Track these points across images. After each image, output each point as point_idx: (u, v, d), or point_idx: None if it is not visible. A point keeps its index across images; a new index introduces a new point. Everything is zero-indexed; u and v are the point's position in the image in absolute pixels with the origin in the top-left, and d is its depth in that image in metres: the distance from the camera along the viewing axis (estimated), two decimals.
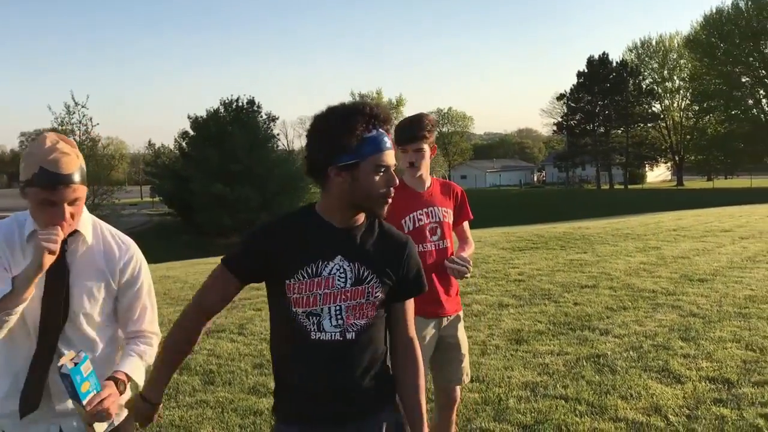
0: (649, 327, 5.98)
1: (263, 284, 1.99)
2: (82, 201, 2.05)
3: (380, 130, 1.91)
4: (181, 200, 43.64)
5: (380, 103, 2.06)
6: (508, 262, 9.89)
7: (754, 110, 63.36)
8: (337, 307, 1.93)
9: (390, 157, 1.93)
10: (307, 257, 1.92)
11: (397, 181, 1.96)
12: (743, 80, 63.04)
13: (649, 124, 71.04)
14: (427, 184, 3.26)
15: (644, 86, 69.93)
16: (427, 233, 3.17)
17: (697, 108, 68.28)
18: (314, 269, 1.91)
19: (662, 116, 71.25)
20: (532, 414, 4.15)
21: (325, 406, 1.95)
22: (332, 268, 1.92)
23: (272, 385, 2.05)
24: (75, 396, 1.93)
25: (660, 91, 71.48)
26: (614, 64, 68.76)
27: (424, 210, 3.19)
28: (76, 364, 1.93)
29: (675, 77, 72.14)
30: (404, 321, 2.08)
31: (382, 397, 2.02)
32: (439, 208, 3.24)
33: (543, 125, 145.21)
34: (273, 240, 1.94)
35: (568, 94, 71.02)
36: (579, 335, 5.83)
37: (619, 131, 69.76)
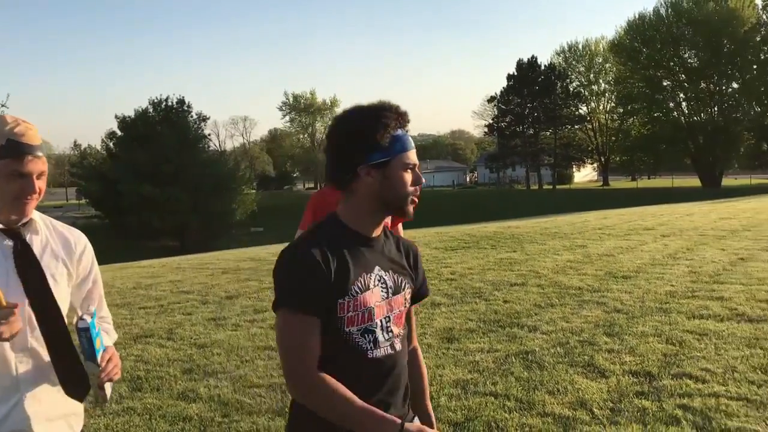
0: (576, 323, 6.15)
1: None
2: (46, 177, 1.99)
3: (405, 128, 1.90)
4: (109, 202, 42.50)
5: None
6: (440, 262, 10.01)
7: (675, 113, 65.83)
8: (386, 319, 1.89)
9: (415, 155, 1.90)
10: (355, 272, 1.83)
11: (424, 180, 1.92)
12: (665, 84, 65.41)
13: (576, 126, 73.11)
14: None
15: (571, 89, 71.91)
16: None
17: (621, 110, 70.54)
18: (364, 283, 1.84)
19: (589, 118, 73.41)
20: (463, 411, 4.21)
21: None
22: (374, 279, 1.87)
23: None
24: (91, 352, 1.89)
25: (587, 93, 73.66)
26: (543, 67, 70.48)
27: None
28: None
29: (601, 80, 74.45)
30: (412, 327, 2.09)
31: (407, 404, 2.00)
32: None
33: (475, 127, 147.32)
34: (321, 259, 1.78)
35: (498, 97, 72.40)
36: (508, 332, 5.94)
37: (548, 133, 71.56)
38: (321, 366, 1.78)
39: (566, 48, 75.89)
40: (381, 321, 1.87)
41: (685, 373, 4.72)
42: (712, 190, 48.96)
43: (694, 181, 62.61)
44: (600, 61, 73.76)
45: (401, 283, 1.95)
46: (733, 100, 63.46)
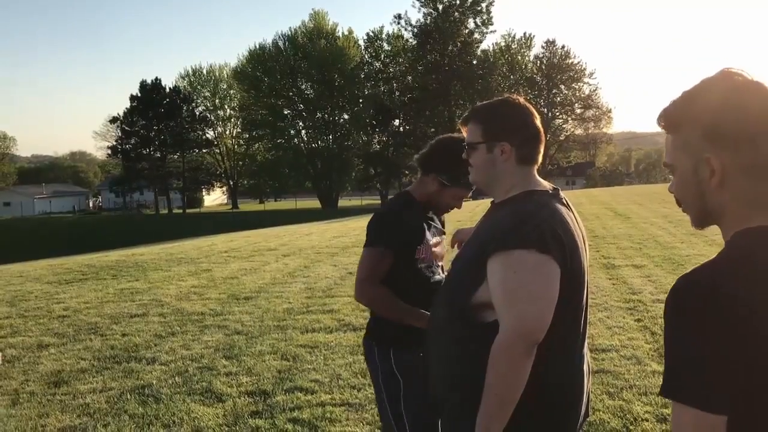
0: (196, 350, 6.10)
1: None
2: None
3: None
4: None
5: None
6: (52, 297, 9.10)
7: (296, 140, 70.60)
8: (436, 257, 2.78)
9: (466, 193, 2.75)
10: (423, 230, 2.70)
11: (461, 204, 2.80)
12: (285, 112, 69.70)
13: (204, 150, 73.51)
14: None
15: (198, 113, 72.12)
16: None
17: (247, 136, 73.12)
18: (426, 236, 2.70)
19: (216, 143, 74.41)
20: None
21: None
22: (429, 234, 2.72)
23: None
24: None
25: (213, 118, 74.62)
26: (168, 89, 69.44)
27: None
28: None
29: (226, 106, 76.14)
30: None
31: None
32: None
33: (98, 149, 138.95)
34: (406, 219, 2.69)
35: (122, 118, 69.23)
36: (125, 368, 5.64)
37: (176, 156, 70.64)
38: (401, 287, 2.64)
39: (191, 72, 76.10)
40: (434, 261, 2.75)
41: (296, 386, 4.99)
42: (330, 211, 53.48)
43: (315, 203, 67.71)
44: (225, 87, 75.47)
45: (438, 241, 2.83)
46: (345, 130, 70.31)
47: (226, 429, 4.25)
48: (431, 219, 2.80)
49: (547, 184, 2.09)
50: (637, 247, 11.83)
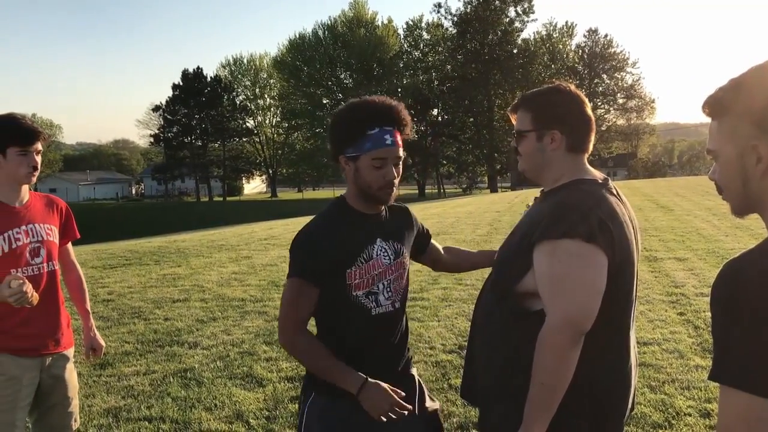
0: (237, 335, 6.19)
1: None
2: None
3: (385, 128, 2.10)
4: None
5: (392, 101, 2.18)
6: (97, 282, 9.31)
7: None
8: (387, 282, 2.21)
9: (388, 152, 2.10)
10: (360, 245, 2.16)
11: (394, 176, 2.14)
12: (324, 102, 70.02)
13: (244, 139, 74.37)
14: (26, 198, 2.87)
15: (238, 102, 73.00)
16: (28, 255, 2.79)
17: (286, 125, 73.72)
18: (368, 254, 2.17)
19: (256, 131, 75.23)
20: None
21: (384, 365, 2.20)
22: (377, 249, 2.20)
23: None
24: None
25: (253, 107, 75.39)
26: (209, 78, 70.30)
27: (23, 228, 2.80)
28: None
29: (266, 95, 76.82)
30: (436, 247, 2.59)
31: (409, 358, 2.37)
32: (42, 225, 2.87)
33: (140, 137, 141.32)
34: (329, 239, 2.12)
35: (164, 106, 70.37)
36: (168, 351, 5.75)
37: (216, 144, 71.63)
38: (330, 332, 2.19)
39: (231, 61, 76.87)
40: (383, 284, 2.20)
41: None
42: None
43: None
44: (265, 76, 76.07)
45: (400, 249, 2.28)
46: None
47: (267, 413, 4.30)
48: (378, 227, 2.23)
49: (597, 174, 2.06)
50: (679, 239, 11.61)
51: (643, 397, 4.41)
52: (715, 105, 1.28)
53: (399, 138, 2.14)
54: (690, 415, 4.12)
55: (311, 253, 2.11)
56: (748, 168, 1.23)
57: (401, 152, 2.14)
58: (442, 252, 2.62)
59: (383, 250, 2.21)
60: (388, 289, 2.21)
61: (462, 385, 2.28)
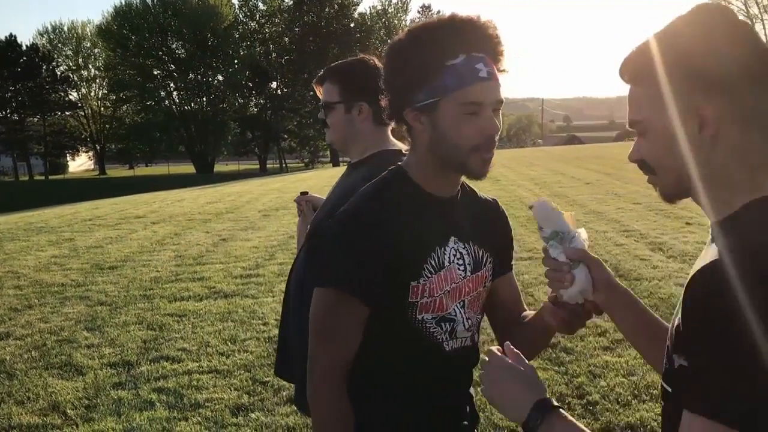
0: (55, 323, 5.83)
1: None
2: None
3: (473, 54, 1.36)
4: None
5: (479, 17, 1.40)
6: None
7: (167, 102, 67.71)
8: (462, 303, 1.49)
9: (483, 91, 1.36)
10: (426, 246, 1.43)
11: (498, 127, 1.40)
12: (155, 73, 66.57)
13: (67, 113, 69.26)
14: None
15: (59, 73, 67.68)
16: None
17: (114, 98, 69.39)
18: (437, 260, 1.44)
19: (80, 105, 70.23)
20: None
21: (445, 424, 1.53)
22: (449, 254, 1.46)
23: None
24: None
25: (76, 78, 70.23)
26: (24, 47, 64.63)
27: None
28: None
29: (90, 66, 71.82)
30: (517, 290, 1.70)
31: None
32: None
33: None
34: (387, 231, 1.39)
35: None
36: None
37: (36, 119, 66.21)
38: (376, 365, 1.46)
39: (50, 29, 71.05)
40: (458, 307, 1.49)
41: (162, 356, 4.89)
42: (205, 177, 51.93)
43: (189, 168, 65.54)
44: (88, 45, 71.06)
45: (482, 256, 1.54)
46: (219, 92, 68.17)
47: (86, 402, 4.11)
48: (452, 220, 1.50)
49: (401, 144, 2.12)
50: (504, 207, 12.34)
51: None
52: (635, 69, 1.06)
53: (496, 71, 1.41)
54: None
55: (356, 252, 1.39)
56: (691, 138, 1.01)
57: (501, 93, 1.41)
58: (517, 312, 1.68)
59: (458, 256, 1.48)
60: (467, 316, 1.50)
61: (277, 360, 2.29)
